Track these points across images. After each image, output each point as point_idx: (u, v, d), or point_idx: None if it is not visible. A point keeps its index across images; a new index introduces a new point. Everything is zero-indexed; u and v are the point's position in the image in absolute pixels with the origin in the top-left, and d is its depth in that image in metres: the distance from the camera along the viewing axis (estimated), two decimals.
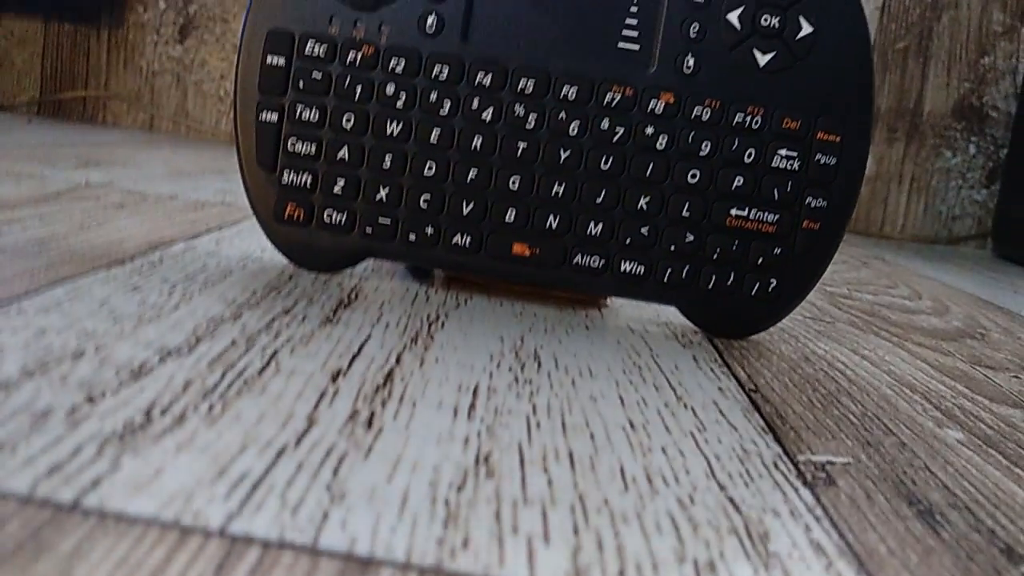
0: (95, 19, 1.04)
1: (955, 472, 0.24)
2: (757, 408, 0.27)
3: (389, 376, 0.25)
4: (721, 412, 0.26)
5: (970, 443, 0.27)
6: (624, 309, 0.39)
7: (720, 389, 0.29)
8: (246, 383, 0.23)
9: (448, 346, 0.29)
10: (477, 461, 0.20)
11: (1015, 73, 1.04)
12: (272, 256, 0.38)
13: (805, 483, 0.22)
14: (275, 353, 0.25)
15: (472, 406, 0.23)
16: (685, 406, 0.26)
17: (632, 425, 0.24)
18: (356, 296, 0.34)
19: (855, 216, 1.06)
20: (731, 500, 0.20)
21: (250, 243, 0.41)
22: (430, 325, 0.31)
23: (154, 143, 0.88)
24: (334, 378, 0.24)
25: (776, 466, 0.22)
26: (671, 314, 0.39)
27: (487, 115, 0.35)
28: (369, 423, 0.21)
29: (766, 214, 0.35)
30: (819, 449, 0.24)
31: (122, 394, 0.21)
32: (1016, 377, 0.37)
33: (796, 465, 0.23)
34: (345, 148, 0.35)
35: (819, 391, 0.30)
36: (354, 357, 0.26)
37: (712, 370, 0.31)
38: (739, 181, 0.35)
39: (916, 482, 0.23)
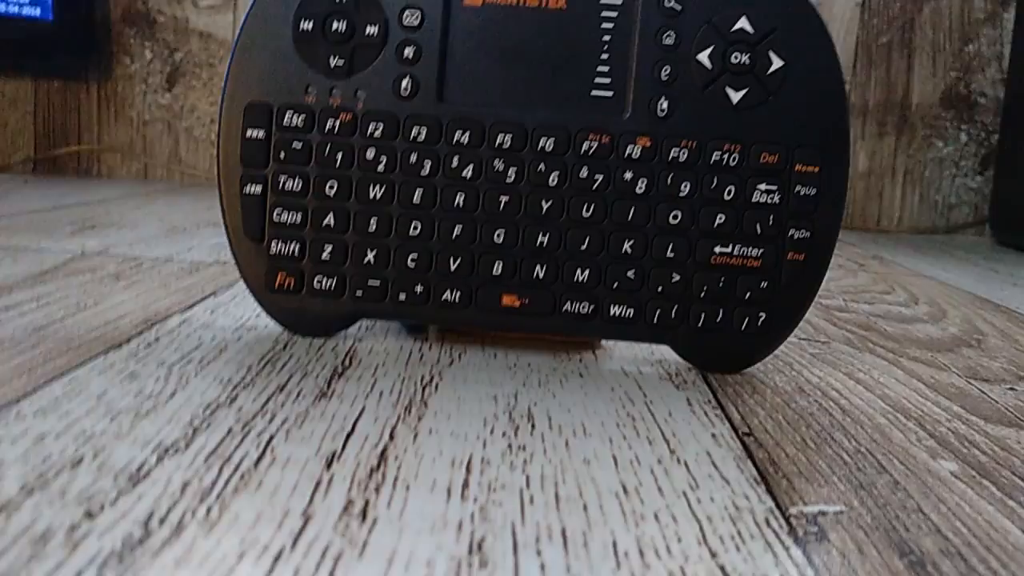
0: (83, 74, 1.05)
1: (948, 511, 0.24)
2: (750, 455, 0.27)
3: (383, 456, 0.25)
4: (714, 464, 0.26)
5: (964, 475, 0.27)
6: (618, 348, 0.39)
7: (713, 436, 0.29)
8: (243, 478, 0.23)
9: (442, 413, 0.29)
10: (471, 550, 0.20)
11: (1000, 58, 1.04)
12: (266, 321, 0.39)
13: (796, 540, 0.22)
14: (271, 439, 0.26)
15: (465, 483, 0.24)
16: (678, 460, 0.26)
17: (625, 489, 0.24)
18: (350, 361, 0.34)
19: (852, 213, 1.06)
20: (722, 569, 0.20)
21: (244, 309, 0.41)
22: (424, 388, 0.31)
23: (149, 196, 0.89)
24: (328, 463, 0.24)
25: (768, 523, 0.23)
26: (665, 350, 0.39)
27: (467, 172, 0.35)
28: (363, 514, 0.21)
29: (750, 249, 0.35)
30: (811, 497, 0.25)
31: (120, 505, 0.21)
32: (1012, 389, 0.38)
33: (788, 520, 0.23)
34: (330, 214, 0.36)
35: (812, 428, 0.30)
36: (348, 435, 0.27)
37: (706, 413, 0.31)
38: (721, 219, 0.35)
39: (908, 527, 0.23)
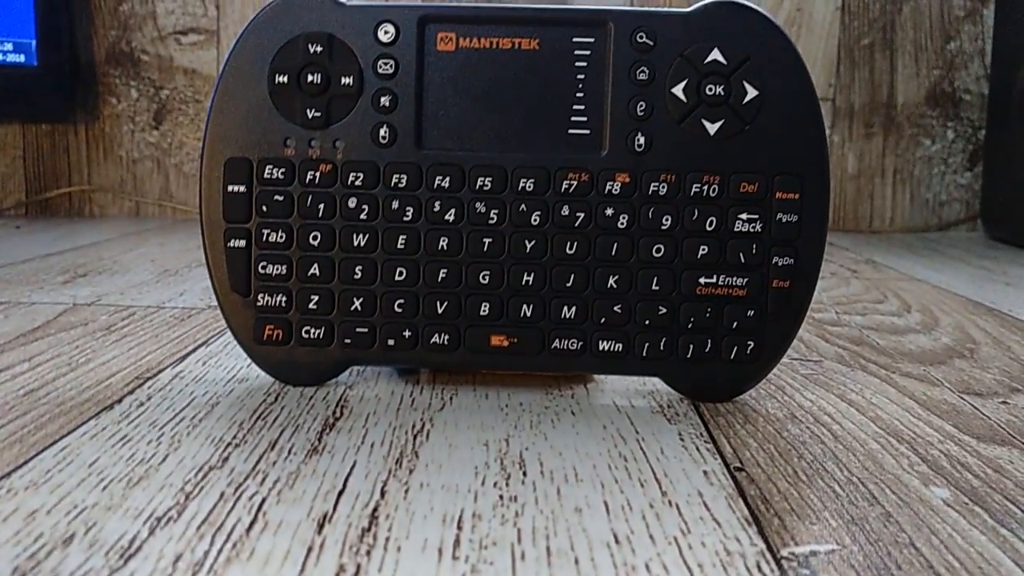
0: (71, 116, 1.05)
1: (940, 544, 0.24)
2: (742, 493, 0.27)
3: (374, 515, 0.25)
4: (705, 504, 0.26)
5: (956, 502, 0.27)
6: (610, 380, 0.39)
7: (705, 473, 0.29)
8: (235, 547, 0.23)
9: (433, 464, 0.29)
10: None
11: (983, 54, 1.04)
12: (258, 372, 0.39)
13: None
14: (263, 502, 0.26)
15: (457, 541, 0.24)
16: (670, 503, 0.26)
17: (616, 539, 0.24)
18: (341, 411, 0.34)
19: (844, 215, 1.07)
20: None
21: (236, 359, 0.41)
22: (415, 438, 0.32)
23: (141, 235, 0.89)
24: (320, 526, 0.24)
25: (759, 567, 0.23)
26: (656, 380, 0.39)
27: (450, 216, 0.35)
28: None
29: (735, 279, 0.35)
30: (803, 537, 0.25)
31: None
32: (1005, 403, 0.38)
33: (779, 563, 0.23)
34: (315, 264, 0.36)
35: (804, 458, 0.31)
36: (340, 493, 0.27)
37: (697, 448, 0.31)
38: (704, 250, 0.35)
39: (900, 564, 0.23)
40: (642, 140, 0.35)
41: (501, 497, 0.27)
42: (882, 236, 1.03)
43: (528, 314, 0.36)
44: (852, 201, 1.07)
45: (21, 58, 0.95)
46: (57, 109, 1.04)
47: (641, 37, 0.35)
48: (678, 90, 0.35)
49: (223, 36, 1.04)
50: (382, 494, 0.27)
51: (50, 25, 0.98)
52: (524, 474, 0.28)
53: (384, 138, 0.35)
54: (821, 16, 1.04)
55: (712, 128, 0.35)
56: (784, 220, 0.35)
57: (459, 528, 0.24)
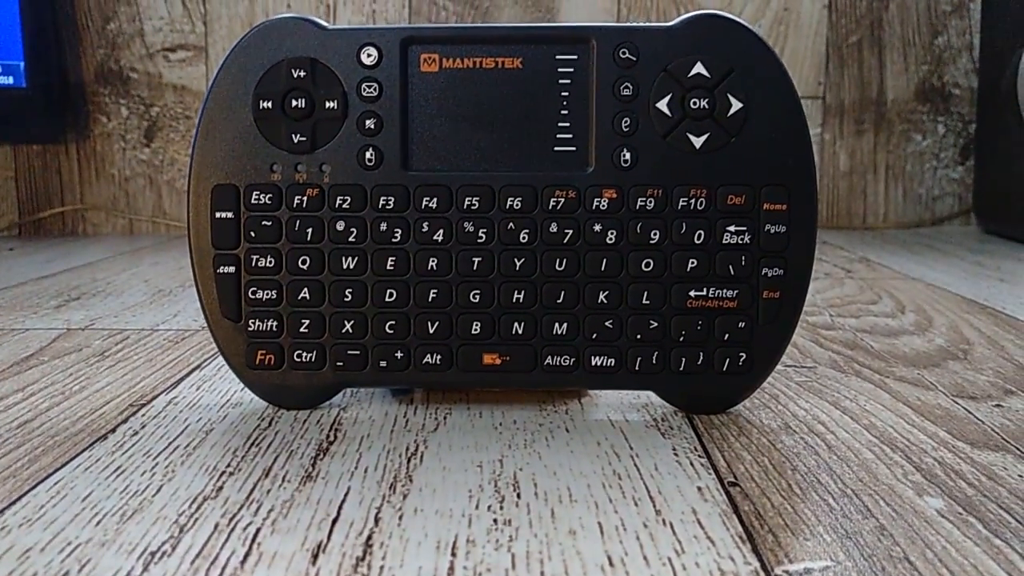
0: (61, 136, 1.05)
1: (934, 557, 0.24)
2: (736, 509, 0.27)
3: (368, 544, 0.25)
4: (699, 522, 0.26)
5: (950, 512, 0.27)
6: (604, 394, 0.39)
7: (699, 489, 0.29)
8: None
9: (427, 488, 0.29)
10: None
11: (971, 48, 1.05)
12: (251, 396, 0.39)
13: None
14: (257, 532, 0.26)
15: (451, 568, 0.24)
16: (664, 522, 0.27)
17: (611, 561, 0.24)
18: (335, 435, 0.34)
19: (838, 212, 1.07)
20: None
21: (229, 382, 0.41)
22: (409, 461, 0.32)
23: (135, 254, 0.89)
24: (314, 556, 0.24)
25: None
26: (650, 393, 0.39)
27: (439, 236, 0.35)
28: None
29: (725, 291, 0.35)
30: (797, 554, 0.25)
31: None
32: (998, 406, 0.38)
33: None
34: (305, 288, 0.36)
35: (799, 470, 0.31)
36: (334, 522, 0.27)
37: (691, 463, 0.31)
38: (693, 263, 0.35)
39: None
40: (628, 156, 0.35)
41: (495, 521, 0.27)
42: (876, 233, 1.04)
43: (520, 331, 0.36)
44: (845, 198, 1.07)
45: (10, 80, 0.95)
46: (48, 129, 1.04)
47: (624, 53, 0.35)
48: (662, 104, 0.35)
49: (211, 52, 1.04)
50: (376, 521, 0.27)
51: (38, 46, 0.98)
52: (518, 496, 0.28)
53: (370, 160, 0.35)
54: (808, 14, 1.04)
55: (698, 142, 0.35)
56: (772, 231, 0.35)
57: (453, 555, 0.24)
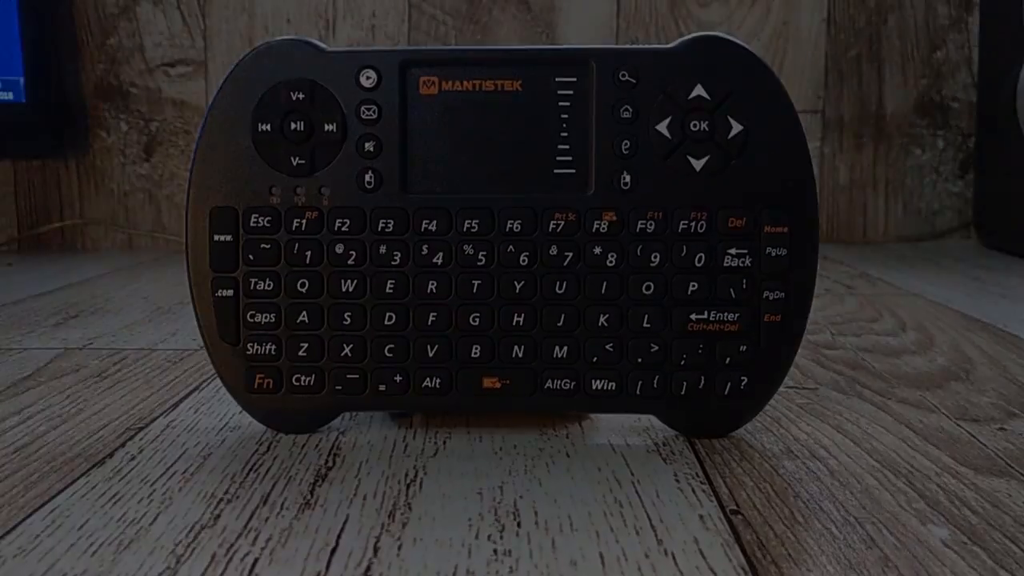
0: (61, 151, 1.05)
1: None
2: (738, 538, 0.27)
3: (367, 574, 0.25)
4: (701, 552, 0.26)
5: (954, 541, 0.27)
6: (605, 418, 0.39)
7: (701, 518, 0.29)
8: None
9: (426, 517, 0.29)
10: None
11: (969, 62, 1.05)
12: (250, 419, 0.39)
13: None
14: (255, 564, 0.26)
15: None
16: (665, 552, 0.26)
17: None
18: (334, 460, 0.34)
19: (838, 226, 1.07)
20: None
21: (227, 405, 0.41)
22: (408, 488, 0.31)
23: (134, 270, 0.89)
24: None
25: None
26: (651, 416, 0.39)
27: (438, 259, 0.35)
28: None
29: (726, 314, 0.35)
30: None
31: None
32: (1002, 429, 0.37)
33: None
34: (304, 311, 0.36)
35: (801, 497, 0.30)
36: (333, 551, 0.26)
37: (693, 491, 0.31)
38: (694, 286, 0.35)
39: None
40: (628, 178, 0.35)
41: (495, 551, 0.26)
42: (876, 247, 1.03)
43: (520, 355, 0.35)
44: (845, 212, 1.07)
45: (10, 95, 0.95)
46: (47, 144, 1.03)
47: (624, 75, 0.34)
48: (662, 127, 0.35)
49: (211, 67, 1.04)
50: (375, 551, 0.26)
51: (38, 61, 0.98)
52: (519, 525, 0.28)
53: (369, 183, 0.35)
54: (807, 29, 1.04)
55: (698, 164, 0.35)
56: (773, 254, 0.35)
57: None
